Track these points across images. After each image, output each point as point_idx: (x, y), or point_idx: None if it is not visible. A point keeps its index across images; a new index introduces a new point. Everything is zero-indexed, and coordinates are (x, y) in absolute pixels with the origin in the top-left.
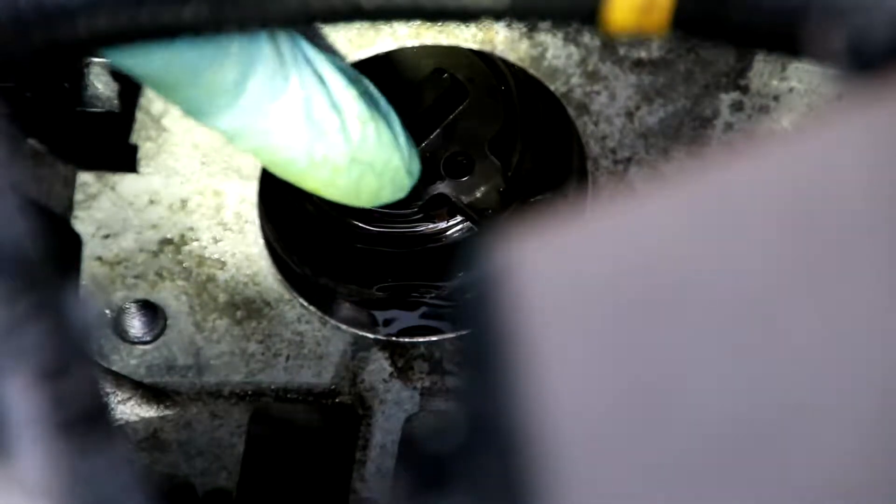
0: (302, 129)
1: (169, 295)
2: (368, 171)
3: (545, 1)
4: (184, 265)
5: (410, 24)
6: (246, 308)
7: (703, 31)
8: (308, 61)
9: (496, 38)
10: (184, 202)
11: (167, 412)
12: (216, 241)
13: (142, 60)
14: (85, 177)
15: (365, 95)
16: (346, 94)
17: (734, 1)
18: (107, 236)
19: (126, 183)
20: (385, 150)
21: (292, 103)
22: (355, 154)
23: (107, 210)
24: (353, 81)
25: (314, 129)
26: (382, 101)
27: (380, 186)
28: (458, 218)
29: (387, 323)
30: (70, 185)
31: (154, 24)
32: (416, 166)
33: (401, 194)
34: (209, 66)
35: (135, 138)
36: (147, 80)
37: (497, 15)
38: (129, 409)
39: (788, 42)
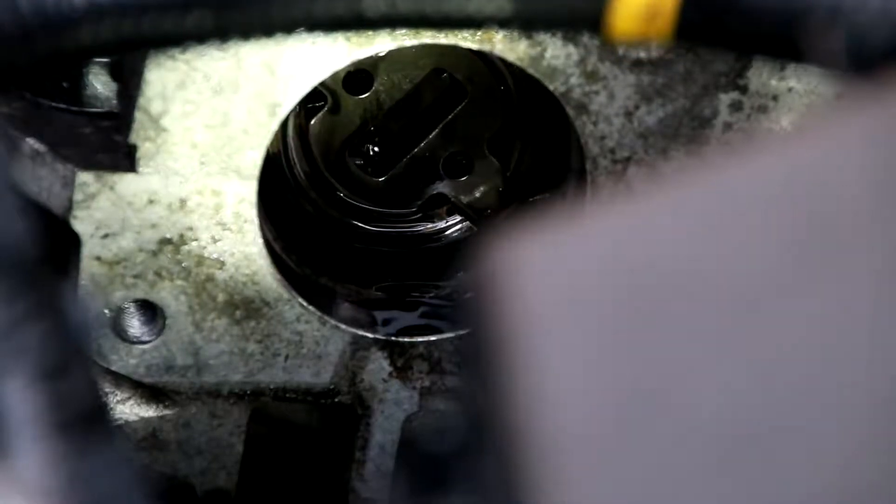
0: None
1: (168, 295)
2: None
3: (549, 8)
4: (183, 265)
5: None
6: (245, 308)
7: (706, 38)
8: None
9: (495, 38)
10: (183, 202)
11: (166, 412)
12: (215, 240)
13: None
14: (84, 177)
15: None
16: None
17: (738, 7)
18: (106, 236)
19: (125, 183)
20: None
21: None
22: None
23: (106, 210)
24: None
25: None
26: None
27: None
28: (458, 217)
29: (386, 323)
30: (69, 185)
31: (157, 32)
32: None
33: None
34: None
35: (134, 138)
36: None
37: (501, 22)
38: (128, 409)
39: (791, 47)
